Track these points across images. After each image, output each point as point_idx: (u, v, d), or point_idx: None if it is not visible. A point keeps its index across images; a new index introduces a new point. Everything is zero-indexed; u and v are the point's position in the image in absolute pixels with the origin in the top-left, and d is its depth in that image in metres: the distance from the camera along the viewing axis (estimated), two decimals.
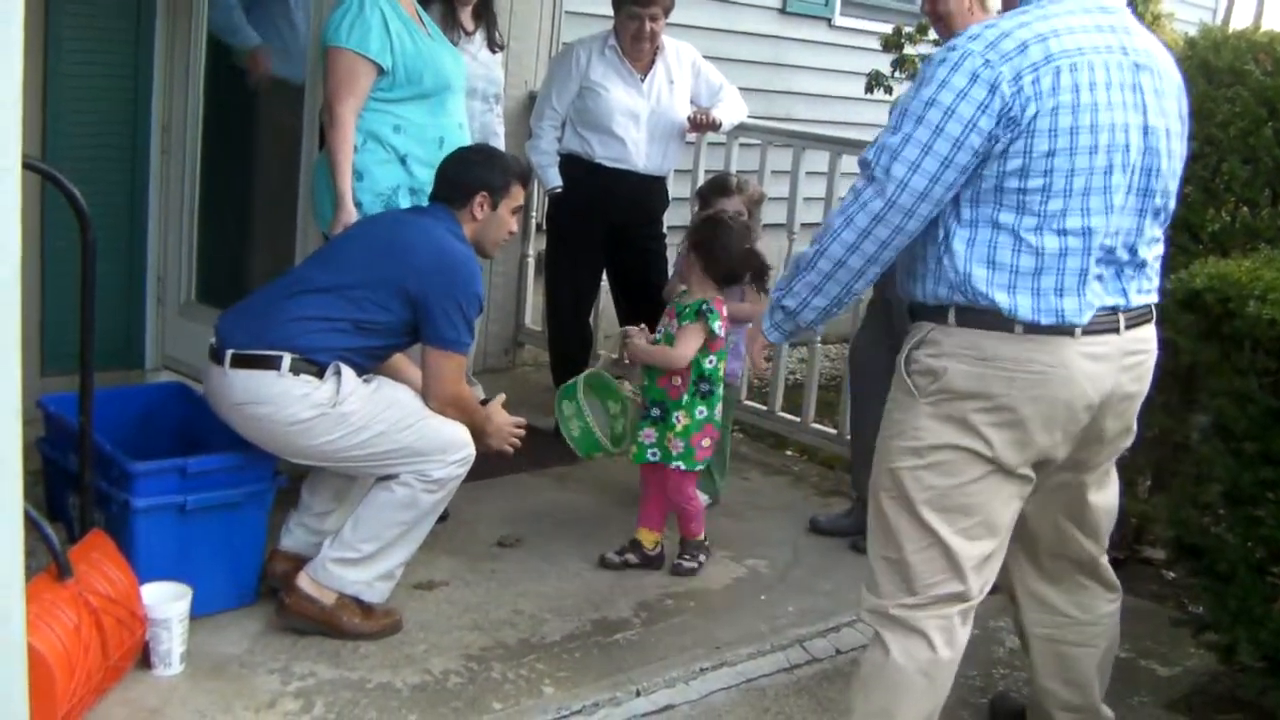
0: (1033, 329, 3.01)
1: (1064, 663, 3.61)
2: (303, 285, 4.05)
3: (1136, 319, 3.16)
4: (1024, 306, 2.99)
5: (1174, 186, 3.18)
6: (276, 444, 3.95)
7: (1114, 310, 3.08)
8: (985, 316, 3.03)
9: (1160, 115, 3.06)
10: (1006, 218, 2.98)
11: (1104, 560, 3.56)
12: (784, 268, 6.14)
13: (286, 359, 3.84)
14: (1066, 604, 3.57)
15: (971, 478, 3.11)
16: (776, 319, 3.32)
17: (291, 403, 3.83)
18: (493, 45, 5.66)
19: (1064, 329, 3.01)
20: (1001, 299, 2.99)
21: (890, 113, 4.90)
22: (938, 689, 3.23)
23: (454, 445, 4.01)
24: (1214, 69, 4.94)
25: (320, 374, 3.87)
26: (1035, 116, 2.90)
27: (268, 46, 5.91)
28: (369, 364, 4.02)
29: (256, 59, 5.90)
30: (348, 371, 3.90)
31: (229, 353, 3.88)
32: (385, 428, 3.91)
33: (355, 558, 3.99)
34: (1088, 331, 3.03)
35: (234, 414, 3.93)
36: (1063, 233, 2.97)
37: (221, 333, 3.97)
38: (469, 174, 4.19)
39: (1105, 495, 3.47)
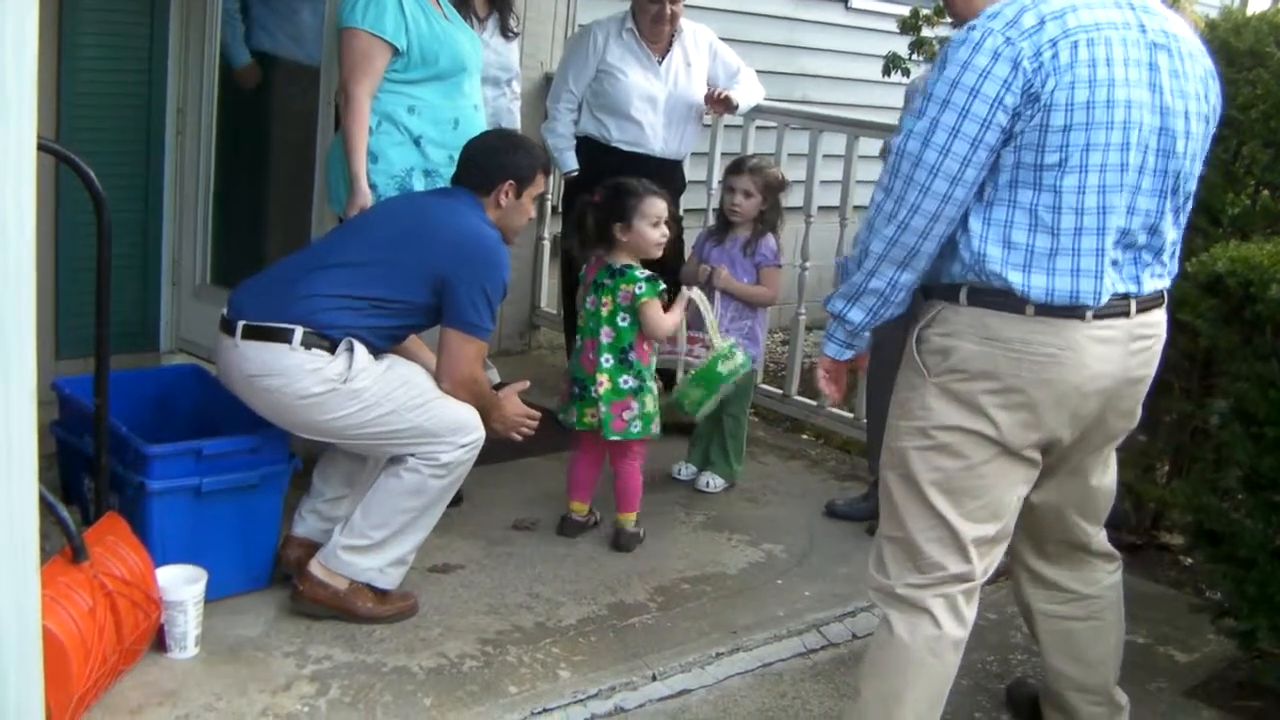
0: (1044, 310, 2.98)
1: (1072, 640, 3.60)
2: (321, 261, 4.04)
3: (1147, 303, 3.13)
4: (1038, 287, 2.96)
5: (1195, 170, 3.13)
6: (286, 418, 3.94)
7: (1126, 296, 3.06)
8: (997, 297, 3.01)
9: (1179, 97, 3.02)
10: (1024, 196, 2.95)
11: (1101, 535, 3.55)
12: (799, 251, 6.17)
13: (298, 332, 3.82)
14: (1069, 580, 3.55)
15: (979, 460, 3.09)
16: (834, 332, 3.24)
17: (302, 377, 3.82)
18: (506, 31, 5.63)
19: (1076, 311, 2.99)
20: (1015, 279, 2.96)
21: (907, 97, 4.91)
22: (945, 667, 3.21)
23: (464, 428, 3.99)
24: (1235, 51, 4.91)
25: (332, 349, 3.85)
26: (1053, 90, 2.86)
27: (254, 65, 6.02)
28: (383, 344, 4.00)
29: (245, 76, 6.04)
30: (360, 348, 3.88)
31: (241, 324, 3.87)
32: (396, 406, 3.90)
33: (365, 545, 3.98)
34: (1098, 315, 3.01)
35: (244, 386, 3.92)
36: (1079, 211, 2.94)
37: (235, 304, 3.96)
38: (497, 161, 4.18)
39: (1106, 479, 3.46)
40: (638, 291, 4.63)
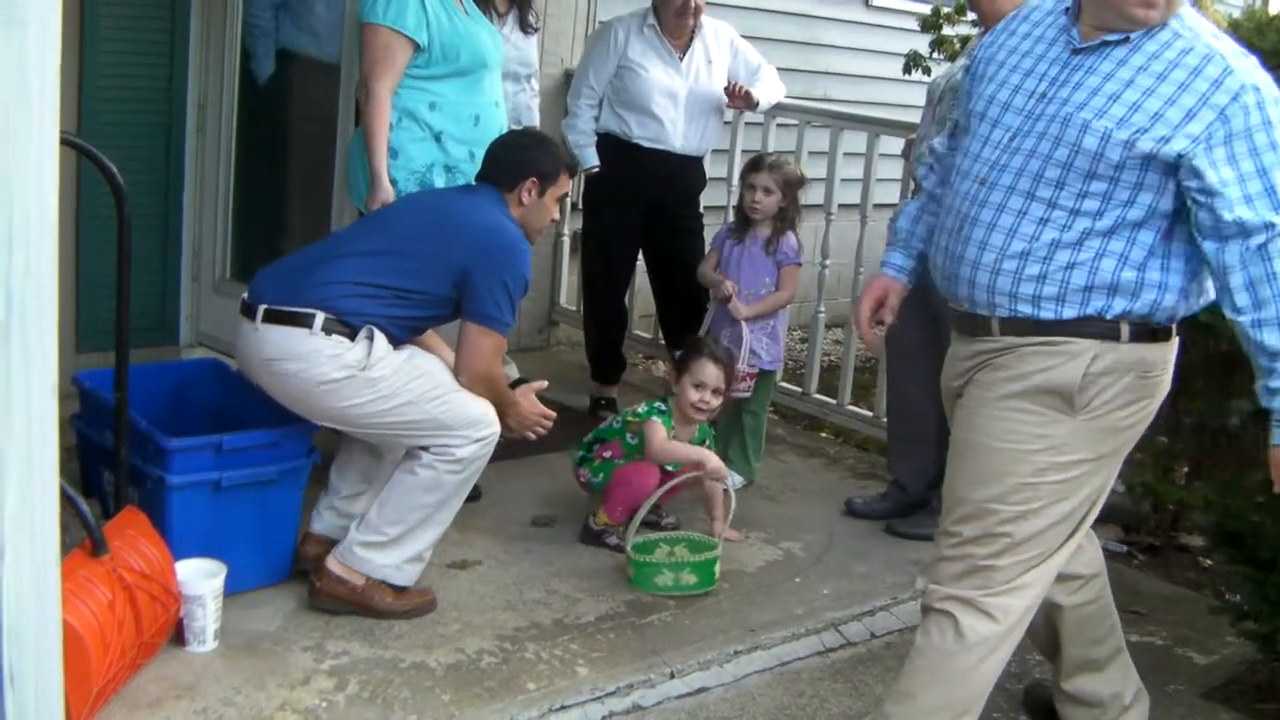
0: (1180, 329, 3.14)
1: (1088, 624, 3.63)
2: (344, 249, 4.05)
3: None
4: (1190, 306, 3.10)
5: None
6: (303, 404, 3.93)
7: None
8: (1157, 330, 3.10)
9: None
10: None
11: None
12: (819, 249, 6.15)
13: (319, 318, 3.82)
14: (1077, 566, 3.56)
15: (1101, 484, 3.20)
16: None
17: (322, 362, 3.81)
18: (525, 27, 5.62)
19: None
20: (1195, 305, 3.10)
21: (929, 96, 4.90)
22: (1001, 666, 3.28)
23: (480, 422, 3.98)
24: (1258, 52, 4.88)
25: (352, 336, 3.85)
26: None
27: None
28: (402, 335, 3.99)
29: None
30: (380, 337, 3.87)
31: (261, 308, 3.87)
32: (413, 397, 3.89)
33: (381, 541, 3.98)
34: None
35: (263, 370, 3.92)
36: None
37: (255, 289, 3.96)
38: (521, 158, 4.18)
39: None
40: (639, 409, 4.84)
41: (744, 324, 5.25)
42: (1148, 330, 3.08)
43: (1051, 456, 3.13)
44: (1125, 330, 3.06)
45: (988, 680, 3.25)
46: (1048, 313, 3.09)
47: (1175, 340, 3.16)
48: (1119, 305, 3.05)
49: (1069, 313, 3.08)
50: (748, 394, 5.28)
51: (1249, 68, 2.94)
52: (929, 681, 3.25)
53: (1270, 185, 2.88)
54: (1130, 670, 3.72)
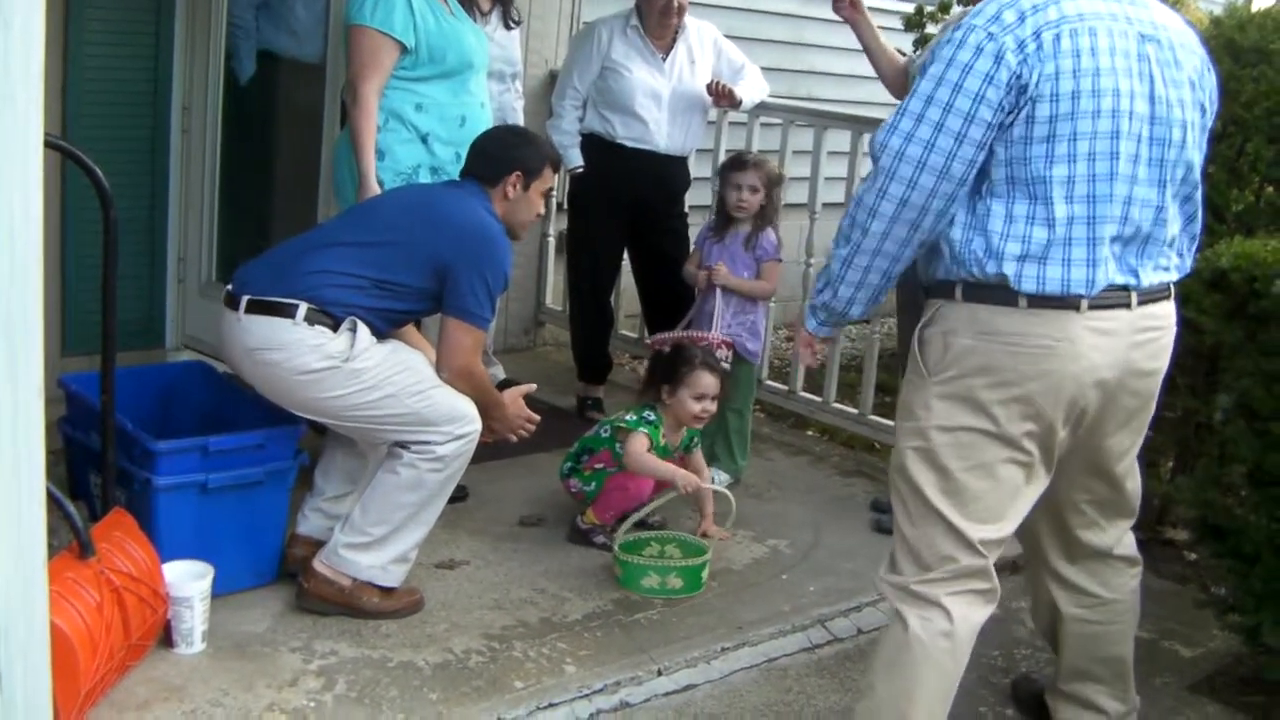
0: (1036, 302, 2.99)
1: (1095, 642, 3.60)
2: (327, 239, 4.05)
3: (1151, 296, 3.13)
4: (1029, 278, 2.98)
5: (1196, 160, 3.15)
6: (284, 395, 3.93)
7: (1124, 288, 3.06)
8: (991, 291, 3.02)
9: (1172, 86, 3.04)
10: (1015, 189, 2.98)
11: (1126, 539, 3.55)
12: (804, 247, 6.17)
13: (302, 308, 3.82)
14: (1091, 584, 3.54)
15: (978, 460, 3.10)
16: (820, 318, 3.32)
17: (304, 352, 3.81)
18: (508, 21, 5.62)
19: (1069, 302, 3.00)
20: (1010, 270, 2.98)
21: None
22: (956, 664, 3.21)
23: (461, 418, 3.97)
24: (1240, 48, 4.91)
25: (335, 327, 3.85)
26: (1039, 82, 2.89)
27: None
28: (384, 327, 3.98)
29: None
30: (363, 328, 3.87)
31: (245, 298, 3.87)
32: (395, 390, 3.88)
33: (366, 542, 3.98)
34: (1095, 306, 3.02)
35: (245, 360, 3.92)
36: (1070, 200, 2.96)
37: (239, 280, 3.96)
38: (505, 153, 4.18)
39: (1130, 482, 3.45)
40: (627, 418, 4.80)
41: (718, 292, 5.28)
42: (982, 288, 3.03)
43: (910, 421, 3.17)
44: (959, 289, 3.06)
45: (944, 670, 3.18)
46: (929, 274, 3.16)
47: (1044, 314, 3.00)
48: (949, 266, 3.07)
49: (930, 274, 3.15)
50: (727, 364, 5.24)
51: (979, 12, 2.98)
52: (886, 672, 3.24)
53: (896, 113, 2.99)
54: (1129, 689, 3.69)
